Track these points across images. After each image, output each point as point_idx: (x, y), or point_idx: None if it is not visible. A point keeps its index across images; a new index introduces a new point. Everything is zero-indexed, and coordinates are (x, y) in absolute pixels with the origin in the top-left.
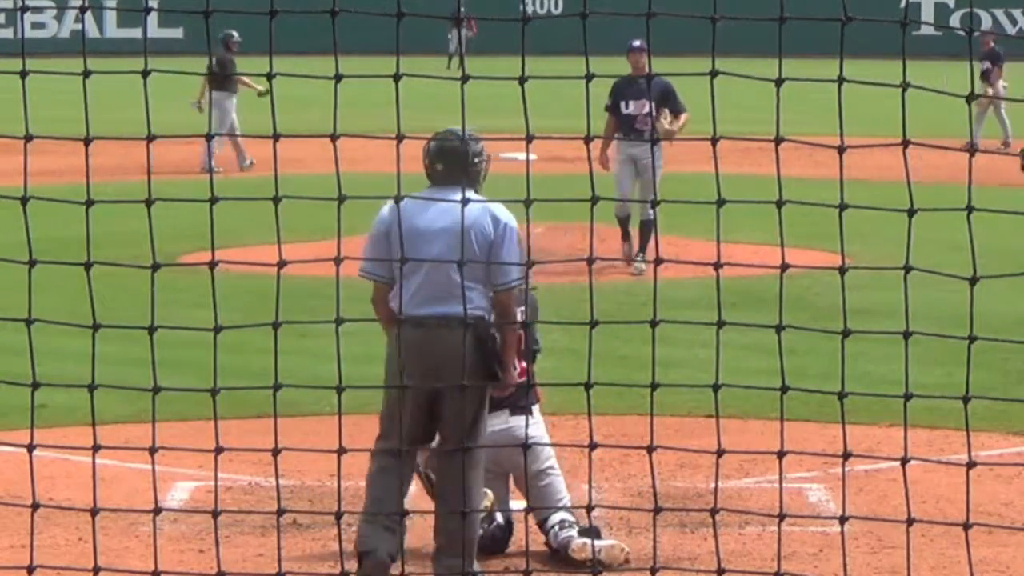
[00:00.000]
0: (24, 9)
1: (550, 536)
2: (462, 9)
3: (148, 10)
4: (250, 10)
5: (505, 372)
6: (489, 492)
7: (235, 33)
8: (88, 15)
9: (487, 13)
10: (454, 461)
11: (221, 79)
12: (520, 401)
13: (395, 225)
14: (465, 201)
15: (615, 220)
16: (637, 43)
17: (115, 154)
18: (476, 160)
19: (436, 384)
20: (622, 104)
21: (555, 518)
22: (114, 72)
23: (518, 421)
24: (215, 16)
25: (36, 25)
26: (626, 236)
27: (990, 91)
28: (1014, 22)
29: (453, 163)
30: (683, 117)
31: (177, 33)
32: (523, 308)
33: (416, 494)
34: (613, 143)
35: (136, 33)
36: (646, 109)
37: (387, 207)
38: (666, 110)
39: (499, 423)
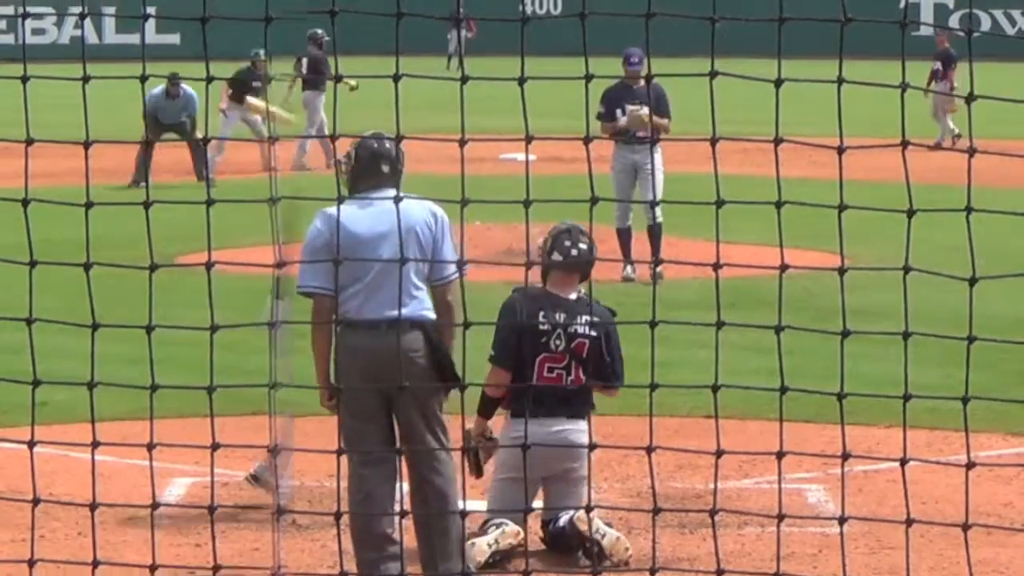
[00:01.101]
0: (25, 16)
1: (557, 522)
2: (462, 10)
3: (146, 17)
4: (248, 16)
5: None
6: (509, 526)
7: (321, 31)
8: (87, 22)
9: (486, 13)
10: (425, 466)
11: (312, 79)
12: (576, 408)
13: (333, 235)
14: (398, 199)
15: (614, 221)
16: (636, 59)
17: (114, 157)
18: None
19: (389, 386)
20: (619, 112)
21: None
22: (112, 77)
23: (574, 425)
24: (211, 23)
25: (36, 31)
26: (627, 253)
27: (935, 87)
28: (1013, 23)
29: (393, 165)
30: (665, 121)
31: (174, 39)
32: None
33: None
34: (612, 151)
35: (134, 39)
36: (639, 112)
37: (318, 218)
38: (642, 104)
39: (556, 426)
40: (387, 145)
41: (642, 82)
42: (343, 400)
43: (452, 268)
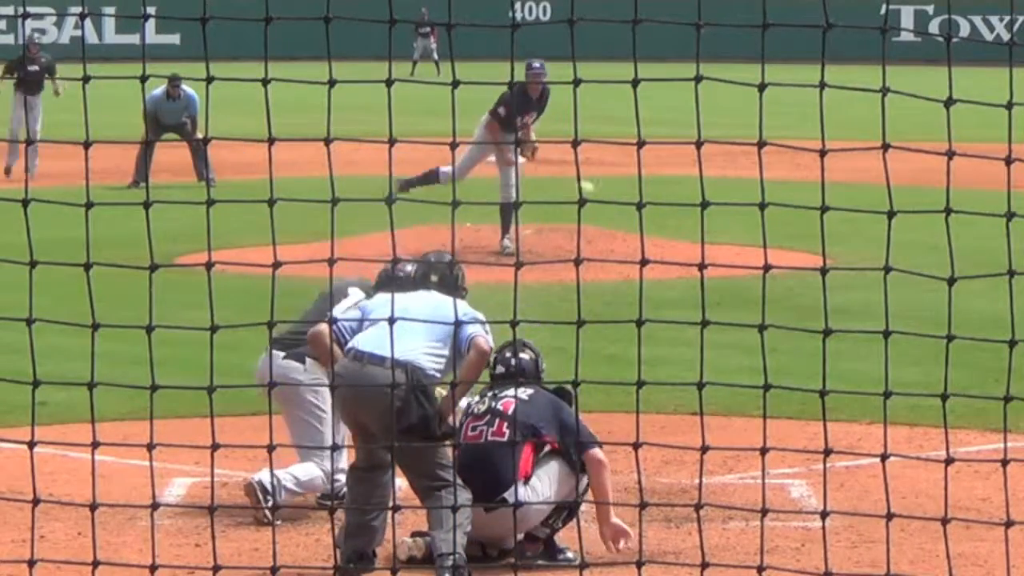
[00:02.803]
0: (25, 16)
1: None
2: (426, 18)
3: (146, 16)
4: (245, 17)
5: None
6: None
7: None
8: (87, 22)
9: (474, 18)
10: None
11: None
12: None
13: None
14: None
15: (602, 222)
16: (537, 65)
17: (114, 157)
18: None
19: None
20: (519, 118)
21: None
22: (113, 77)
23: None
24: (211, 23)
25: (36, 31)
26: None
27: None
28: (991, 28)
29: (442, 276)
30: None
31: (174, 39)
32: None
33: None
34: (492, 133)
35: (134, 39)
36: (529, 119)
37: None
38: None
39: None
40: (443, 265)
41: (539, 90)
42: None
43: (471, 330)
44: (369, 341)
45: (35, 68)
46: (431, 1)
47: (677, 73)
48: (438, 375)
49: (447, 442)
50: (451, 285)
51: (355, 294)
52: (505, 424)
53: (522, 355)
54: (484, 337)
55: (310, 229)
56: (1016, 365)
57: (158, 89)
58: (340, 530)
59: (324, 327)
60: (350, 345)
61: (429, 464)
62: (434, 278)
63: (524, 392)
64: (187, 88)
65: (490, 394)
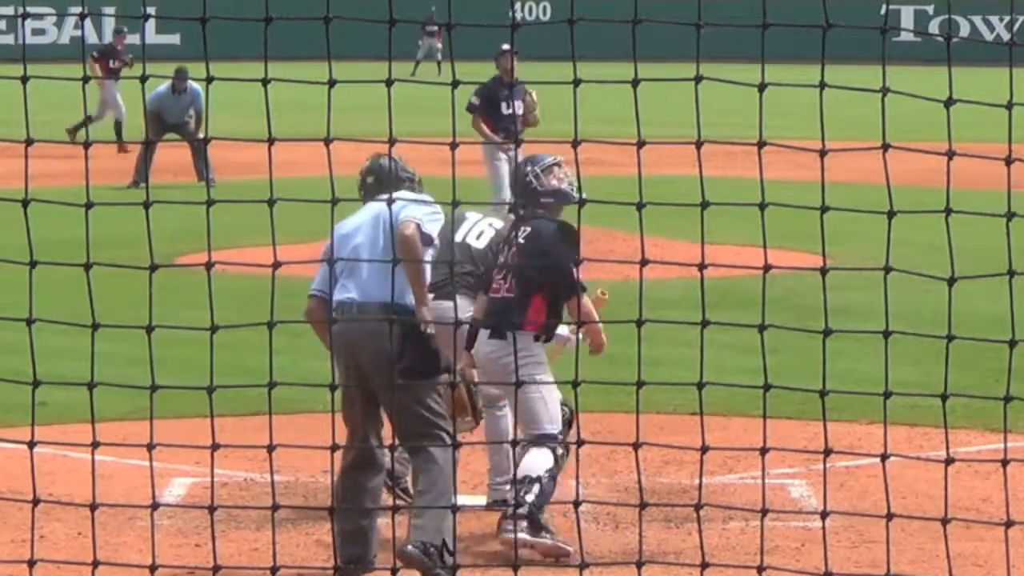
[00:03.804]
0: (25, 16)
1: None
2: (434, 16)
3: (147, 17)
4: (246, 17)
5: (420, 307)
6: None
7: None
8: (87, 22)
9: (473, 18)
10: (421, 457)
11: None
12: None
13: (332, 242)
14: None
15: (603, 221)
16: (506, 46)
17: (114, 157)
18: (405, 176)
19: (362, 365)
20: (503, 105)
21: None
22: (115, 77)
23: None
24: (211, 23)
25: (36, 31)
26: None
27: None
28: (991, 28)
29: (379, 176)
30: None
31: (174, 39)
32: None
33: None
34: (485, 149)
35: (134, 39)
36: (519, 110)
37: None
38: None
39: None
40: (379, 161)
41: (512, 76)
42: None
43: (407, 213)
44: (344, 288)
45: (119, 63)
46: (438, 0)
47: (677, 73)
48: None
49: (443, 379)
50: (387, 179)
51: (472, 216)
52: (513, 280)
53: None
54: (411, 221)
55: (310, 229)
56: (1016, 365)
57: (162, 86)
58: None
59: None
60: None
61: (423, 406)
62: (370, 180)
63: (523, 233)
64: (193, 83)
65: (512, 236)
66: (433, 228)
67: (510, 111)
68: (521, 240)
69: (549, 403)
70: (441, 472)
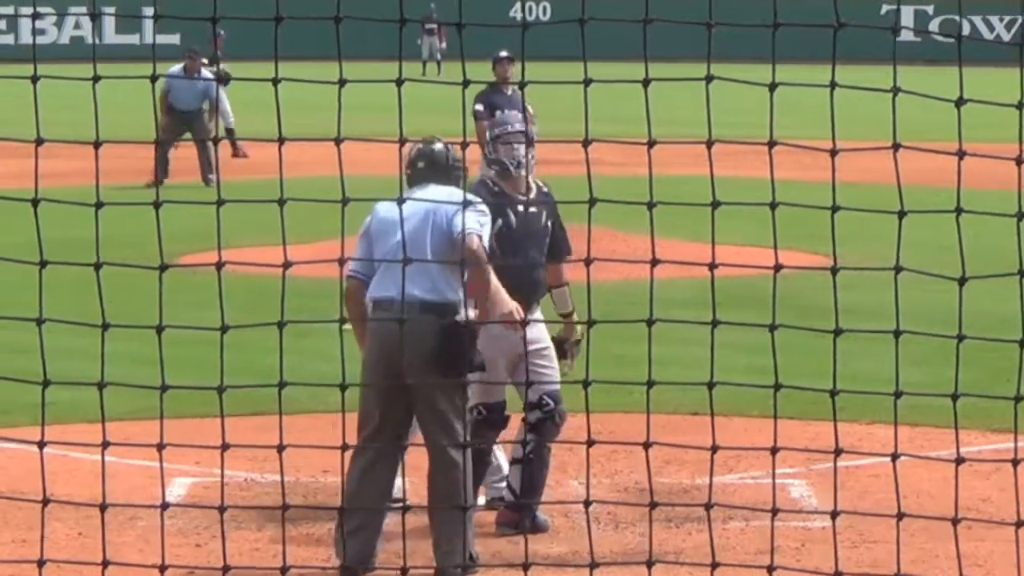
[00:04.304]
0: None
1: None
2: (434, 15)
3: (146, 17)
4: (250, 16)
5: (497, 306)
6: None
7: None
8: (87, 22)
9: (473, 17)
10: (442, 457)
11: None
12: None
13: (372, 223)
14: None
15: (605, 221)
16: (504, 53)
17: (122, 157)
18: (456, 165)
19: (400, 366)
20: (498, 112)
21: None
22: (123, 77)
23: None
24: (211, 22)
25: (36, 31)
26: None
27: None
28: (991, 28)
29: (431, 162)
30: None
31: (174, 39)
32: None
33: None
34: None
35: (134, 39)
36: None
37: (371, 213)
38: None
39: None
40: (432, 147)
41: (511, 88)
42: (363, 378)
43: (472, 224)
44: (384, 284)
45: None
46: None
47: (687, 73)
48: (460, 287)
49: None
50: (441, 167)
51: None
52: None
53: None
54: (474, 234)
55: (319, 229)
56: None
57: (175, 66)
58: (336, 527)
59: None
60: (368, 291)
61: (452, 407)
62: (421, 164)
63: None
64: (207, 72)
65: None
66: (487, 234)
67: (503, 116)
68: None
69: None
70: (460, 477)
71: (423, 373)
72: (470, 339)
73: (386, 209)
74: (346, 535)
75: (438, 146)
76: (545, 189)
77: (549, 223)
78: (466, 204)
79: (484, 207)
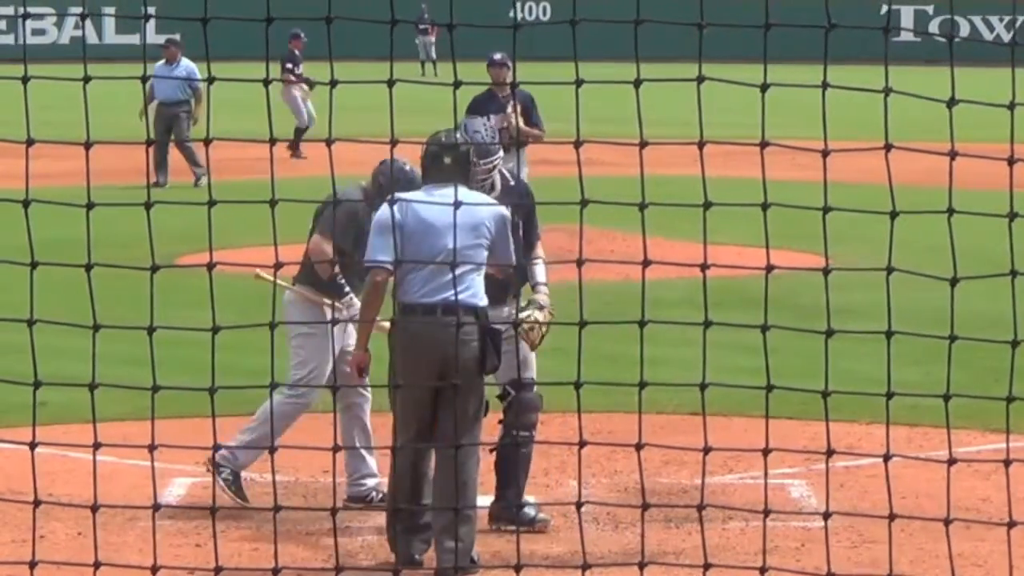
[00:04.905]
0: (26, 16)
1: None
2: (426, 15)
3: (147, 17)
4: (246, 17)
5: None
6: None
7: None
8: (88, 22)
9: (472, 18)
10: (454, 459)
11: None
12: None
13: (407, 219)
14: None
15: (600, 222)
16: (498, 56)
17: (114, 157)
18: (475, 161)
19: (438, 371)
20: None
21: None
22: (114, 77)
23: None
24: (211, 22)
25: (36, 31)
26: None
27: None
28: (991, 28)
29: (456, 158)
30: (536, 131)
31: (174, 39)
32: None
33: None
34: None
35: (134, 39)
36: (506, 124)
37: (390, 203)
38: (518, 105)
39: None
40: (458, 144)
41: (508, 89)
42: (399, 382)
43: (513, 257)
44: (427, 286)
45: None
46: (430, 0)
47: (679, 73)
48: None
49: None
50: (465, 166)
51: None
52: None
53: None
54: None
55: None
56: (1018, 365)
57: (159, 63)
58: (393, 530)
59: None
60: (403, 291)
61: (474, 409)
62: (447, 160)
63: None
64: (186, 60)
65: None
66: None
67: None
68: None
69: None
70: (467, 480)
71: (466, 375)
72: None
73: (427, 209)
74: (405, 534)
75: (462, 143)
76: (512, 183)
77: (519, 221)
78: (507, 221)
79: (505, 209)
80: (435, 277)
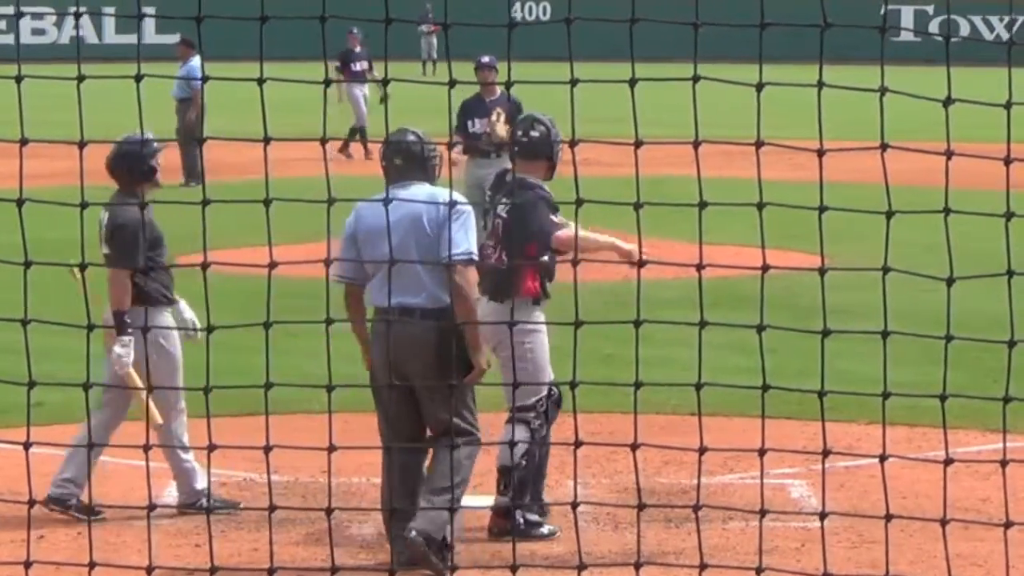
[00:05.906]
0: (22, 15)
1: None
2: (430, 15)
3: (142, 16)
4: (242, 16)
5: (475, 353)
6: None
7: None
8: (87, 22)
9: (471, 17)
10: (442, 450)
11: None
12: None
13: (357, 228)
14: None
15: (600, 222)
16: (486, 59)
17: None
18: (431, 155)
19: (405, 372)
20: (469, 123)
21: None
22: (108, 77)
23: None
24: (208, 22)
25: (36, 31)
26: None
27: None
28: (991, 28)
29: (408, 157)
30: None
31: (173, 39)
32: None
33: None
34: (463, 167)
35: (134, 39)
36: (487, 130)
37: (352, 213)
38: (502, 112)
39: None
40: (406, 138)
41: (498, 91)
42: (373, 390)
43: (463, 247)
44: (383, 294)
45: (361, 65)
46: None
47: (675, 73)
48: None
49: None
50: (419, 159)
51: None
52: (502, 251)
53: (532, 133)
54: (466, 256)
55: (305, 229)
56: (1015, 365)
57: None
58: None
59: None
60: (369, 298)
61: (463, 404)
62: (398, 161)
63: (503, 209)
64: (195, 59)
65: (496, 208)
66: (473, 242)
67: (475, 128)
68: (504, 215)
69: (533, 373)
70: (449, 469)
71: (426, 378)
72: (460, 340)
73: (372, 214)
74: (398, 538)
75: (411, 137)
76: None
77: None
78: (452, 206)
79: (469, 209)
80: (385, 282)
